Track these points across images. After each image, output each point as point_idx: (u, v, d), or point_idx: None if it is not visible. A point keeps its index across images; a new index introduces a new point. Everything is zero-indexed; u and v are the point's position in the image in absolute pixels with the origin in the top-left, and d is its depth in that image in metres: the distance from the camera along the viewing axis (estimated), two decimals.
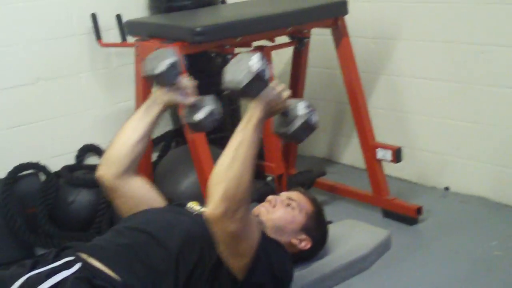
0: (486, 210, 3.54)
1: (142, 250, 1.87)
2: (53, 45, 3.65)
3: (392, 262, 2.90)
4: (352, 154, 4.27)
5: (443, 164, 3.81)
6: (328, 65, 4.15)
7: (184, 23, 3.21)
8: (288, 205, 2.22)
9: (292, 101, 1.96)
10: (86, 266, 1.82)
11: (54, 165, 3.67)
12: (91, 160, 3.88)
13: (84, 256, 1.86)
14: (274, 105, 1.89)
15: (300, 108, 1.93)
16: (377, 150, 3.50)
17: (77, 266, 1.81)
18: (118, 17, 3.54)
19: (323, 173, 3.75)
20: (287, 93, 1.93)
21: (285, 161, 3.72)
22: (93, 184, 3.54)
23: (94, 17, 3.60)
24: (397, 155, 3.46)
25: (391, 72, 3.91)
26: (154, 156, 3.83)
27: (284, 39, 3.55)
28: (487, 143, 3.57)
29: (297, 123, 1.92)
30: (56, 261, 1.85)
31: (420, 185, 3.93)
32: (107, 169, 2.18)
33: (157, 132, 3.85)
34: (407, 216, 3.46)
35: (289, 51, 3.82)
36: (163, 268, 1.85)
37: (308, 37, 3.53)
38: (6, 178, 3.47)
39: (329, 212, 2.54)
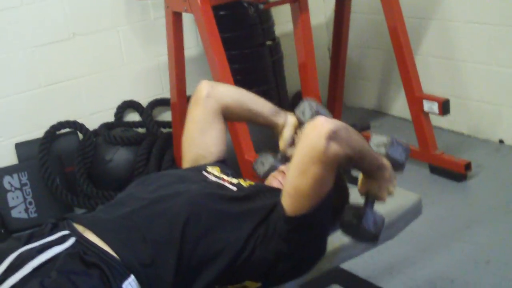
0: None
1: (142, 222, 1.76)
2: None
3: (436, 222, 2.77)
4: (401, 105, 4.06)
5: (498, 115, 3.58)
6: (374, 10, 3.92)
7: None
8: None
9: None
10: (80, 240, 1.73)
11: (93, 123, 3.63)
12: (130, 116, 3.81)
13: (80, 228, 1.77)
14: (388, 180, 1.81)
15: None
16: (423, 101, 3.30)
17: (71, 241, 1.71)
18: None
19: (367, 127, 3.58)
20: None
21: (331, 112, 3.56)
22: (131, 142, 3.51)
23: None
24: (444, 107, 3.27)
25: (441, 16, 3.67)
26: None
27: None
28: None
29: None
30: (51, 234, 1.76)
31: (473, 137, 3.73)
32: (216, 102, 2.10)
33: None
34: (455, 172, 3.28)
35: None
36: (165, 241, 1.74)
37: None
38: (43, 137, 3.45)
39: None
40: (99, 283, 1.62)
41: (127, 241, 1.72)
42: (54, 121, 3.51)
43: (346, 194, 2.13)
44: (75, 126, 3.55)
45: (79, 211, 3.47)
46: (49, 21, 3.48)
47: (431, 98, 3.29)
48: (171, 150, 3.53)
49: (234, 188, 1.95)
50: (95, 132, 3.59)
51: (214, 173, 2.03)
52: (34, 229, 1.82)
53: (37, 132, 3.49)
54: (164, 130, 3.74)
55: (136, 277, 1.68)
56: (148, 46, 3.79)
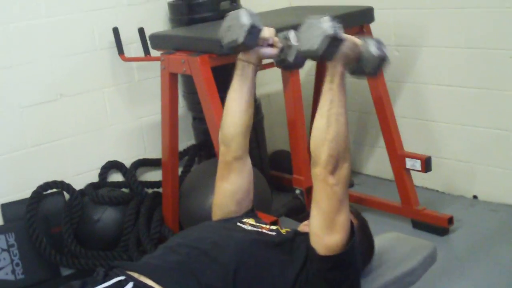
0: None
1: (196, 267, 1.82)
2: (75, 61, 3.60)
3: (432, 273, 2.85)
4: (375, 164, 4.23)
5: (471, 172, 3.76)
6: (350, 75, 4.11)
7: (210, 35, 3.17)
8: None
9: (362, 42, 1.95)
10: (138, 285, 1.76)
11: (78, 183, 3.61)
12: (114, 177, 3.82)
13: (135, 275, 1.81)
14: (351, 55, 1.90)
15: (372, 47, 1.91)
16: (405, 159, 3.45)
17: (129, 286, 1.75)
18: (141, 30, 3.50)
19: (351, 185, 3.69)
20: (358, 40, 1.92)
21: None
22: (118, 202, 3.51)
23: (116, 31, 3.55)
24: (426, 165, 3.42)
25: (415, 79, 3.87)
26: (179, 171, 3.76)
27: None
28: None
29: (374, 61, 1.92)
30: (107, 281, 1.79)
31: (447, 194, 3.89)
32: (227, 148, 2.16)
33: (180, 147, 3.79)
34: (438, 226, 3.41)
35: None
36: (219, 286, 1.79)
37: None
38: (31, 197, 3.42)
39: None
40: None
41: (184, 284, 1.76)
42: (39, 182, 3.48)
43: (371, 240, 2.22)
44: (62, 186, 3.54)
45: (66, 271, 3.43)
46: (37, 81, 3.50)
47: (413, 156, 3.44)
48: (160, 210, 3.55)
49: (274, 233, 2.03)
50: (82, 192, 3.58)
51: (250, 223, 2.10)
52: (86, 278, 1.84)
53: (23, 193, 3.46)
54: (148, 190, 3.76)
55: None
56: (132, 107, 3.85)
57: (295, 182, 3.42)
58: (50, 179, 3.52)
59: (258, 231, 2.03)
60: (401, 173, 3.50)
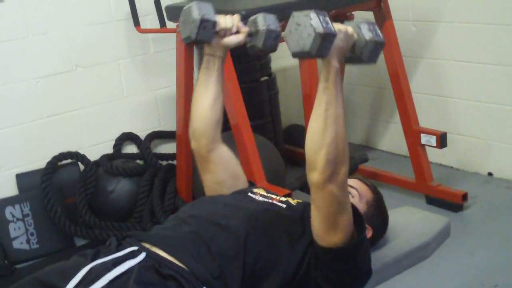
0: None
1: (207, 237, 1.82)
2: (91, 32, 3.61)
3: (443, 250, 2.85)
4: (390, 140, 4.21)
5: (486, 149, 3.74)
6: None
7: (227, 6, 3.15)
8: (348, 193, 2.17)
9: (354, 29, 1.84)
10: (151, 255, 1.78)
11: (93, 154, 3.63)
12: (128, 148, 3.83)
13: (147, 245, 1.82)
14: (345, 47, 1.79)
15: (365, 32, 1.80)
16: (421, 135, 3.44)
17: (142, 256, 1.77)
18: (157, 2, 3.48)
19: (365, 159, 3.68)
20: (350, 28, 1.81)
21: None
22: (133, 173, 3.53)
23: (132, 2, 3.53)
24: (441, 141, 3.40)
25: (432, 55, 3.84)
26: None
27: None
28: None
29: (369, 47, 1.81)
30: (119, 250, 1.81)
31: (462, 171, 3.87)
32: (198, 143, 2.13)
33: None
34: (452, 203, 3.40)
35: None
36: (230, 254, 1.80)
37: (352, 19, 3.46)
38: (46, 168, 3.44)
39: None
40: None
41: (195, 255, 1.78)
42: (54, 153, 3.50)
43: (385, 214, 2.23)
44: (77, 157, 3.56)
45: (80, 242, 3.45)
46: (53, 52, 3.50)
47: (428, 132, 3.42)
48: (173, 182, 3.56)
49: (284, 206, 2.03)
50: (96, 163, 3.59)
51: (261, 193, 2.10)
52: (99, 247, 1.85)
53: (37, 163, 3.48)
54: (163, 162, 3.77)
55: None
56: (147, 80, 3.85)
57: None
58: (65, 150, 3.54)
59: (269, 202, 2.03)
60: (416, 149, 3.48)
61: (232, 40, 2.03)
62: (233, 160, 2.18)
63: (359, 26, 1.82)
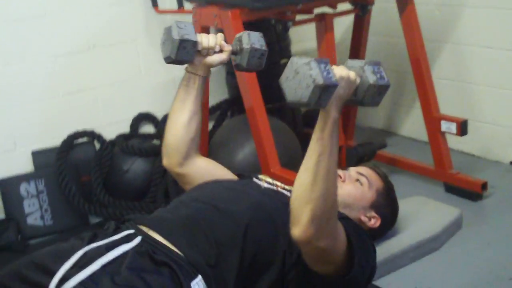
0: None
1: (206, 223, 1.79)
2: (109, 11, 3.59)
3: (458, 240, 2.79)
4: (411, 125, 4.14)
5: (509, 137, 3.65)
6: (388, 33, 4.01)
7: None
8: (357, 180, 2.13)
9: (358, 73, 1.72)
10: (146, 239, 1.76)
11: (109, 133, 3.63)
12: (145, 128, 3.82)
13: (145, 229, 1.80)
14: (346, 95, 1.69)
15: (369, 75, 1.70)
16: (441, 122, 3.36)
17: (137, 240, 1.75)
18: None
19: (384, 145, 3.62)
20: (353, 74, 1.70)
21: (343, 132, 3.61)
22: (148, 153, 3.51)
23: None
24: (462, 128, 3.33)
25: (456, 40, 3.74)
26: (210, 126, 3.74)
27: (346, 5, 3.42)
28: None
29: (372, 91, 1.71)
30: (116, 233, 1.79)
31: (483, 159, 3.78)
32: (169, 159, 2.12)
33: (213, 101, 3.78)
34: (471, 191, 3.32)
35: (349, 19, 3.69)
36: (228, 242, 1.76)
37: (372, 4, 3.39)
38: (62, 145, 3.45)
39: None
40: (170, 281, 1.65)
41: (192, 241, 1.75)
42: (70, 131, 3.51)
43: (395, 205, 2.18)
44: (93, 135, 3.56)
45: (94, 219, 3.46)
46: (70, 31, 3.50)
47: (449, 119, 3.35)
48: None
49: (289, 194, 1.99)
50: (112, 142, 3.59)
51: (266, 180, 2.06)
52: (97, 230, 1.84)
53: (53, 140, 3.49)
54: None
55: (203, 276, 1.69)
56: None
57: None
58: (81, 129, 3.54)
59: (274, 190, 2.00)
60: (436, 136, 3.41)
61: (215, 59, 2.03)
62: (213, 169, 2.16)
63: (364, 68, 1.72)
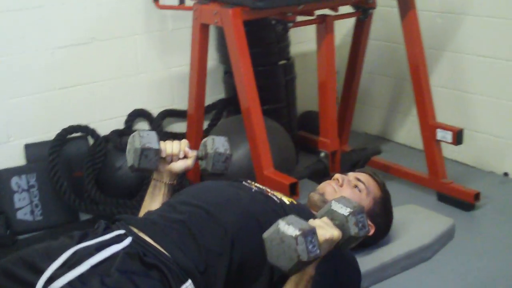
0: None
1: (195, 228, 1.77)
2: (109, 5, 3.55)
3: (450, 250, 2.77)
4: (407, 132, 4.13)
5: (504, 148, 3.65)
6: (388, 38, 4.01)
7: None
8: (355, 186, 2.11)
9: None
10: (137, 241, 1.73)
11: (103, 129, 3.59)
12: (140, 125, 3.79)
13: (135, 230, 1.78)
14: (326, 253, 1.65)
15: (351, 226, 1.67)
16: (437, 130, 3.36)
17: (128, 241, 1.73)
18: None
19: (378, 151, 3.61)
20: (336, 234, 1.64)
21: (338, 137, 3.59)
22: None
23: None
24: (457, 137, 3.32)
25: (456, 49, 3.73)
26: (205, 124, 3.72)
27: (347, 8, 3.41)
28: None
29: (352, 241, 1.71)
30: (106, 233, 1.77)
31: (477, 169, 3.78)
32: None
33: (209, 100, 3.75)
34: (464, 201, 3.32)
35: (349, 22, 3.68)
36: (217, 249, 1.74)
37: (374, 7, 3.38)
38: (55, 140, 3.41)
39: None
40: (160, 285, 1.63)
41: (181, 245, 1.73)
42: (64, 125, 3.47)
43: (390, 215, 2.17)
44: (87, 131, 3.53)
45: (84, 216, 3.43)
46: (69, 23, 3.46)
47: (445, 127, 3.34)
48: None
49: (278, 201, 1.97)
50: (106, 138, 3.56)
51: (256, 185, 2.05)
52: (87, 229, 1.81)
53: (47, 134, 3.45)
54: None
55: (193, 281, 1.68)
56: (163, 56, 3.79)
57: (320, 145, 3.35)
58: (75, 123, 3.51)
59: (264, 194, 1.98)
60: (431, 144, 3.40)
61: (180, 165, 2.04)
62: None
63: (347, 218, 1.67)
